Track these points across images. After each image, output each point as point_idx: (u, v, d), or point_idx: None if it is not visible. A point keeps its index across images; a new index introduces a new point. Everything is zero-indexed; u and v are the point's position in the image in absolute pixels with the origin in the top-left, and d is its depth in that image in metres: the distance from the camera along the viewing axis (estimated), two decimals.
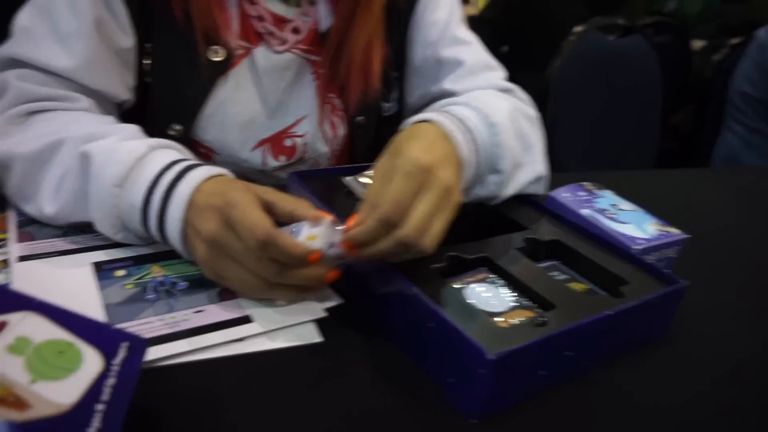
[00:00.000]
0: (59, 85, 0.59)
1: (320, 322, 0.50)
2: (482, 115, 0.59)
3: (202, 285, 0.51)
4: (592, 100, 1.49)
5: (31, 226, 0.56)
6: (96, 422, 0.31)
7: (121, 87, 0.65)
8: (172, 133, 0.67)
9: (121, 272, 0.52)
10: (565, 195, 0.66)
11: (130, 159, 0.50)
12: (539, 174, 0.66)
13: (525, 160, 0.65)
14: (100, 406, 0.32)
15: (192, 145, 0.69)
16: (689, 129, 1.78)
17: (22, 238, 0.55)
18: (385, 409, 0.43)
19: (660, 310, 0.52)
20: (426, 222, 0.46)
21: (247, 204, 0.46)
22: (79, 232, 0.56)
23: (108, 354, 0.34)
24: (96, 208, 0.51)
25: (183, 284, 0.51)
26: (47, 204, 0.54)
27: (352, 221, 0.48)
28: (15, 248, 0.53)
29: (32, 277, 0.50)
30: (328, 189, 0.65)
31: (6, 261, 0.51)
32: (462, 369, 0.42)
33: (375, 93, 0.75)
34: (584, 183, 0.69)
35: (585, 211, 0.63)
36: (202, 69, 0.65)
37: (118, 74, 0.64)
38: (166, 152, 0.53)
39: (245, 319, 0.48)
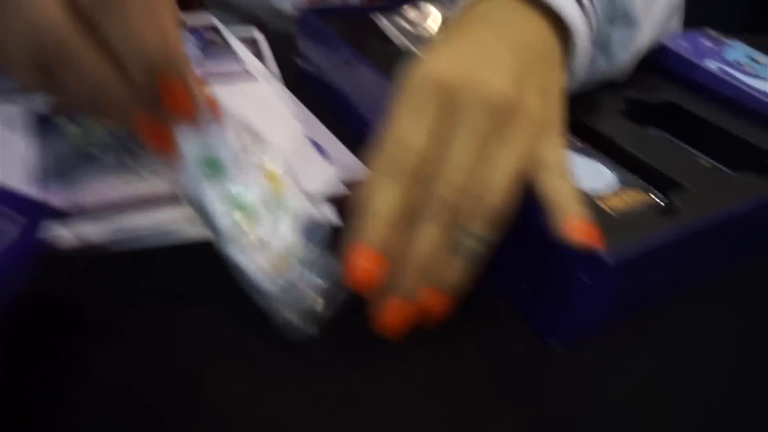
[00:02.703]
0: None
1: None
2: None
3: None
4: None
5: None
6: None
7: None
8: None
9: (66, 122, 0.38)
10: (682, 44, 0.48)
11: None
12: (676, 1, 0.46)
13: None
14: None
15: None
16: None
17: None
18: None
19: None
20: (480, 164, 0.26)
21: None
22: None
23: None
24: None
25: None
26: None
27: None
28: None
29: None
30: (356, 32, 0.49)
31: None
32: (555, 276, 0.28)
33: None
34: (708, 30, 0.50)
35: (712, 65, 0.45)
36: None
37: None
38: None
39: None
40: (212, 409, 0.25)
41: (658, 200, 0.33)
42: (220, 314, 0.29)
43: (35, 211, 0.23)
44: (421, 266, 0.25)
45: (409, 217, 0.26)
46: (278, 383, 0.26)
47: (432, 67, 0.27)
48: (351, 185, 0.38)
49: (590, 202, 0.29)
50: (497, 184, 0.26)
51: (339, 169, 0.40)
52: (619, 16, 0.39)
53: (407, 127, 0.26)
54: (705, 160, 0.38)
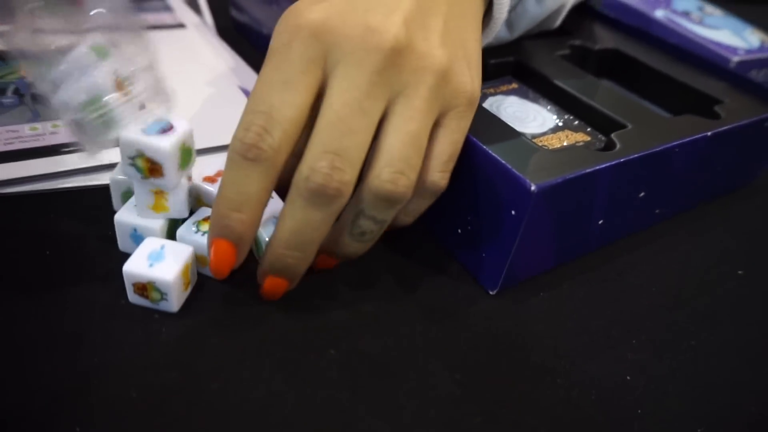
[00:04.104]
0: None
1: None
2: None
3: None
4: None
5: None
6: None
7: None
8: None
9: None
10: None
11: None
12: None
13: None
14: None
15: None
16: None
17: None
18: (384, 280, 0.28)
19: (761, 141, 0.36)
20: (414, 151, 0.23)
21: None
22: None
23: None
24: None
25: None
26: None
27: None
28: None
29: None
30: None
31: None
32: (488, 210, 0.27)
33: None
34: None
35: (659, 13, 0.44)
36: None
37: None
38: None
39: None
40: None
41: (596, 140, 0.31)
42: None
43: None
44: (289, 247, 0.23)
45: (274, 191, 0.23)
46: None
47: (299, 13, 0.23)
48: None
49: (527, 140, 0.27)
50: (388, 158, 0.22)
51: None
52: None
53: (279, 91, 0.22)
54: (649, 106, 0.37)
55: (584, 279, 0.30)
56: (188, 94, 0.38)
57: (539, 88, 0.36)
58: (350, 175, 0.21)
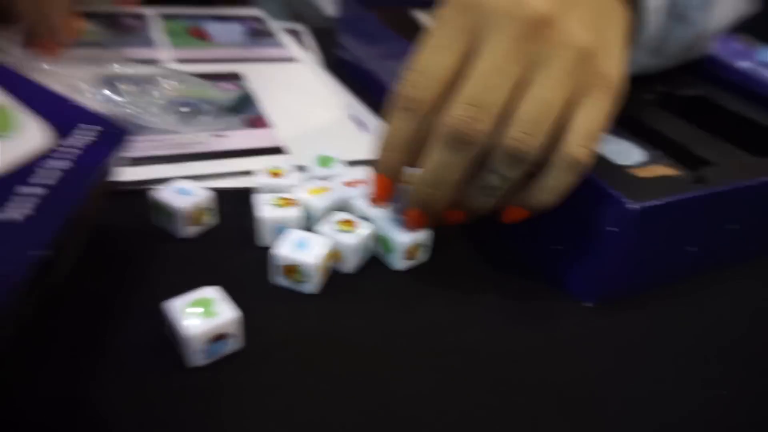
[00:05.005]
0: None
1: None
2: None
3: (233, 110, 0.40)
4: None
5: None
6: (24, 206, 0.20)
7: None
8: None
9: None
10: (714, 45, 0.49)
11: None
12: None
13: None
14: (28, 189, 0.21)
15: None
16: None
17: None
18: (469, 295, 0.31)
19: None
20: (549, 114, 0.25)
21: None
22: None
23: (61, 131, 0.24)
24: None
25: (207, 107, 0.40)
26: None
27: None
28: None
29: None
30: (393, 23, 0.51)
31: None
32: (584, 230, 0.29)
33: None
34: (739, 35, 0.52)
35: (744, 64, 0.46)
36: None
37: None
38: None
39: (276, 150, 0.38)
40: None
41: (687, 174, 0.34)
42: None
43: (114, 130, 0.26)
44: (427, 184, 0.27)
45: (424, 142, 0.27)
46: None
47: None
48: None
49: (622, 169, 0.30)
50: (520, 116, 0.25)
51: None
52: None
53: (432, 54, 0.26)
54: (733, 147, 0.39)
55: (675, 302, 0.31)
56: (305, 120, 0.43)
57: (626, 126, 0.39)
58: (485, 125, 0.25)
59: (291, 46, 0.56)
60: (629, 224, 0.26)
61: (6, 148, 0.22)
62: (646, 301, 0.31)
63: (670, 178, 0.32)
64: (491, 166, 0.26)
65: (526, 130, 0.25)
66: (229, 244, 0.31)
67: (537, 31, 0.25)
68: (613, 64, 0.27)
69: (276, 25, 0.60)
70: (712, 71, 0.46)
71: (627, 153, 0.36)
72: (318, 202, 0.31)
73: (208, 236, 0.31)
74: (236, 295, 0.25)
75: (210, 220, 0.31)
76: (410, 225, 0.30)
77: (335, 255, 0.29)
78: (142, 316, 0.25)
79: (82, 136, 0.24)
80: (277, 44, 0.56)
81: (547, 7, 0.25)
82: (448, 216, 0.29)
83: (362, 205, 0.32)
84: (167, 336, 0.24)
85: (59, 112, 0.24)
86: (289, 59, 0.54)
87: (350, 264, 0.30)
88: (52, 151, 0.23)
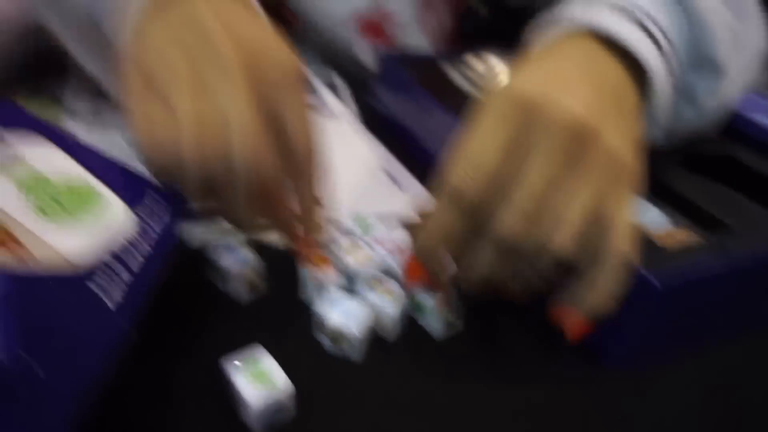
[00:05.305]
0: None
1: None
2: None
3: None
4: None
5: None
6: (113, 288, 0.23)
7: None
8: None
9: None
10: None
11: None
12: (763, 46, 0.42)
13: (741, 27, 0.39)
14: (120, 268, 0.24)
15: (278, 6, 0.61)
16: None
17: None
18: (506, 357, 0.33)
19: None
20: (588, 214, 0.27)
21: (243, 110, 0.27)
22: None
23: (135, 207, 0.27)
24: None
25: None
26: None
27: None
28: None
29: None
30: (428, 77, 0.54)
31: None
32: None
33: None
34: (761, 90, 0.53)
35: (766, 120, 0.47)
36: None
37: None
38: None
39: None
40: None
41: (707, 240, 0.35)
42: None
43: (177, 205, 0.29)
44: (473, 276, 0.28)
45: (467, 236, 0.28)
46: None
47: (512, 86, 0.28)
48: (421, 212, 0.42)
49: (642, 236, 0.32)
50: (567, 223, 0.26)
51: (411, 197, 0.45)
52: (703, 63, 0.37)
53: (480, 145, 0.27)
54: (756, 207, 0.40)
55: (700, 368, 0.33)
56: (342, 175, 0.46)
57: (650, 188, 0.40)
58: (535, 235, 0.26)
59: (330, 102, 0.60)
60: (655, 300, 0.28)
61: (100, 234, 0.25)
62: (671, 367, 0.32)
63: (694, 249, 0.33)
64: (533, 261, 0.27)
65: (571, 236, 0.26)
66: (276, 299, 0.34)
67: (583, 141, 0.27)
68: (639, 161, 0.29)
69: (316, 80, 0.63)
70: (735, 127, 0.47)
71: (648, 216, 0.37)
72: (357, 264, 0.34)
73: (257, 292, 0.34)
74: (285, 357, 0.28)
75: (260, 280, 0.34)
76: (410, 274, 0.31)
77: (377, 321, 0.32)
78: (201, 372, 0.28)
79: (151, 208, 0.27)
80: (318, 100, 0.60)
81: (593, 119, 0.27)
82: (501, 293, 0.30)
83: (398, 268, 0.34)
84: (225, 394, 0.27)
85: (128, 184, 0.27)
86: (328, 116, 0.57)
87: (389, 331, 0.32)
88: (132, 231, 0.26)
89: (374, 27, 0.64)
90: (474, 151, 0.27)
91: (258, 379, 0.26)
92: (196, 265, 0.35)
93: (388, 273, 0.35)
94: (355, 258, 0.34)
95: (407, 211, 0.42)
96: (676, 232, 0.36)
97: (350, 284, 0.34)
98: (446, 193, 0.27)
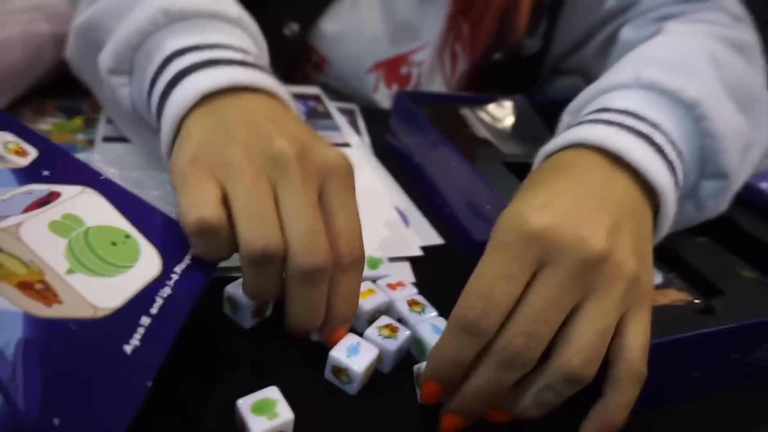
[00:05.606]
0: None
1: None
2: (667, 94, 0.36)
3: None
4: None
5: None
6: (136, 339, 0.24)
7: None
8: (287, 32, 0.62)
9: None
10: None
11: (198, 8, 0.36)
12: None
13: (750, 127, 0.39)
14: (146, 320, 0.25)
15: (306, 51, 0.65)
16: None
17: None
18: None
19: None
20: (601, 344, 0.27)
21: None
22: None
23: (168, 258, 0.28)
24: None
25: None
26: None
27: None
28: (102, 128, 0.51)
29: (114, 159, 0.46)
30: (442, 118, 0.57)
31: (92, 141, 0.49)
32: None
33: (517, 25, 0.64)
34: None
35: (765, 184, 0.49)
36: None
37: None
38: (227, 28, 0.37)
39: None
40: None
41: (697, 301, 0.37)
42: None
43: (212, 268, 0.30)
44: (477, 398, 0.28)
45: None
46: None
47: (525, 219, 0.28)
48: (427, 250, 0.44)
49: None
50: (581, 346, 0.26)
51: (418, 235, 0.46)
52: (712, 173, 0.38)
53: (500, 284, 0.27)
54: (750, 271, 0.42)
55: (680, 423, 0.34)
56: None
57: None
58: (538, 353, 0.27)
59: (346, 130, 0.62)
60: None
61: (130, 281, 0.26)
62: (650, 422, 0.34)
63: (681, 309, 0.35)
64: (551, 386, 0.28)
65: (587, 357, 0.27)
66: (282, 335, 0.35)
67: (595, 266, 0.27)
68: (651, 277, 0.30)
69: (332, 106, 0.66)
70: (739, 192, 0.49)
71: None
72: (364, 304, 0.35)
73: (265, 325, 0.36)
74: (290, 388, 0.29)
75: (269, 311, 0.36)
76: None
77: (379, 359, 0.33)
78: (213, 408, 0.29)
79: (186, 261, 0.28)
80: (334, 127, 0.62)
81: (605, 244, 0.27)
82: (493, 416, 0.30)
83: (403, 309, 0.36)
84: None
85: (166, 234, 0.28)
86: (344, 144, 0.59)
87: (388, 366, 0.34)
88: (161, 278, 0.27)
89: (395, 73, 0.67)
90: (492, 287, 0.27)
91: (264, 410, 0.27)
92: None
93: (390, 310, 0.36)
94: (361, 295, 0.36)
95: (415, 249, 0.44)
96: (671, 291, 0.38)
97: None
98: (463, 324, 0.27)
